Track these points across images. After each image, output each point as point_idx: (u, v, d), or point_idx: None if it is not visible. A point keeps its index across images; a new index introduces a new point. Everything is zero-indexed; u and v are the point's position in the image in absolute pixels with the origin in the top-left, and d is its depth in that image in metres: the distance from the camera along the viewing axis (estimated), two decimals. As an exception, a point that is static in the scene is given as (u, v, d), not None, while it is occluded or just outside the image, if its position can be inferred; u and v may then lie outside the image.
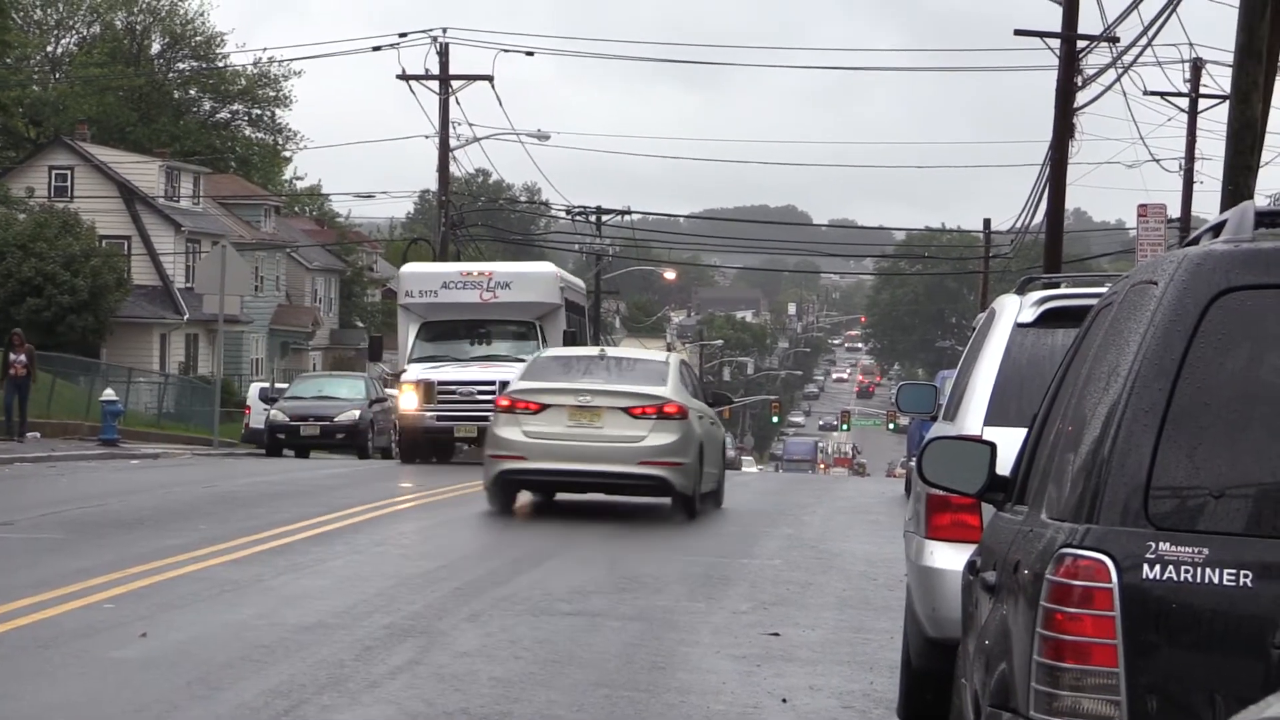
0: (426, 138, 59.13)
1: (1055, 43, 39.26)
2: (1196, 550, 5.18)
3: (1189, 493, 5.26)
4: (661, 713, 11.04)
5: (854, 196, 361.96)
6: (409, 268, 41.27)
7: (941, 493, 8.79)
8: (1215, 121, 61.36)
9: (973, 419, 9.86)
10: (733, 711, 11.15)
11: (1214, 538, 5.19)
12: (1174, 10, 30.59)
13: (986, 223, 75.16)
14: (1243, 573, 5.14)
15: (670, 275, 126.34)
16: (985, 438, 7.75)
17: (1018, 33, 41.23)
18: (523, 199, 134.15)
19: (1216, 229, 6.10)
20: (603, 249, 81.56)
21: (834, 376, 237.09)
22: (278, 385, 55.22)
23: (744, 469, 76.43)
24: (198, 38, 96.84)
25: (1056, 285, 11.00)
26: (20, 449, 38.27)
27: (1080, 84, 38.48)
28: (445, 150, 57.98)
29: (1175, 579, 5.17)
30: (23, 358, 41.57)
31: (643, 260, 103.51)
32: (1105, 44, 38.58)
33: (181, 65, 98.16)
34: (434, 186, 61.73)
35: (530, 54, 60.98)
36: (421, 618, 14.21)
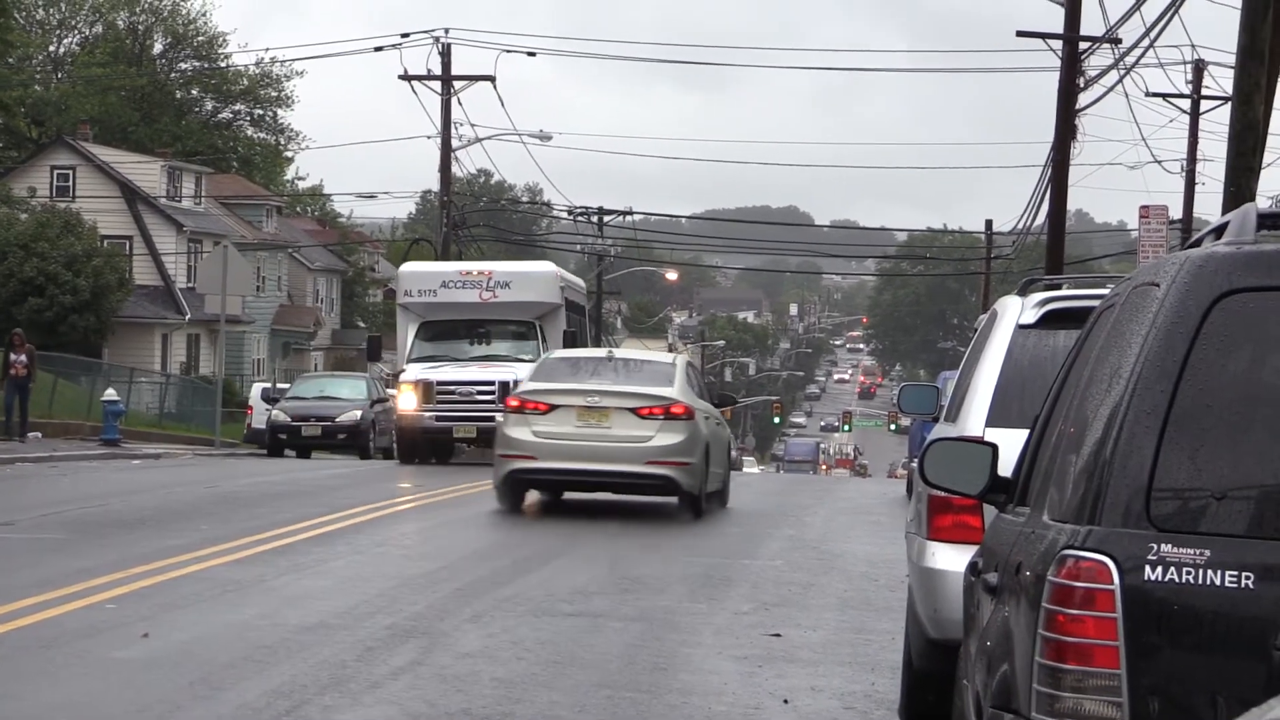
0: (428, 138, 59.11)
1: (1057, 44, 39.26)
2: (1198, 552, 5.18)
3: (1191, 494, 5.27)
4: (663, 714, 11.05)
5: (856, 197, 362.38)
6: (408, 267, 41.16)
7: (943, 494, 8.79)
8: (1217, 123, 61.52)
9: (974, 420, 9.86)
10: (734, 712, 11.15)
11: (1216, 539, 5.20)
12: (1176, 11, 30.64)
13: (988, 224, 75.16)
14: (1244, 574, 5.14)
15: (672, 276, 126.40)
16: (987, 439, 7.76)
17: (1020, 34, 41.25)
18: (524, 199, 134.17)
19: (1218, 231, 6.11)
20: (604, 250, 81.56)
21: (835, 377, 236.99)
22: (279, 385, 55.19)
23: (745, 469, 76.43)
24: (200, 38, 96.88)
25: (1058, 287, 10.99)
26: (22, 449, 38.28)
27: (1082, 85, 38.47)
28: (447, 150, 57.99)
29: (1177, 580, 5.18)
30: (23, 358, 41.57)
31: (644, 261, 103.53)
32: (1107, 45, 38.59)
33: (183, 65, 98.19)
34: (436, 187, 61.78)
35: (532, 54, 61.11)
36: (423, 618, 14.22)
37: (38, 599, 14.39)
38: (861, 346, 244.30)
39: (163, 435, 53.14)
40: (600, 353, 27.05)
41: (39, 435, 43.14)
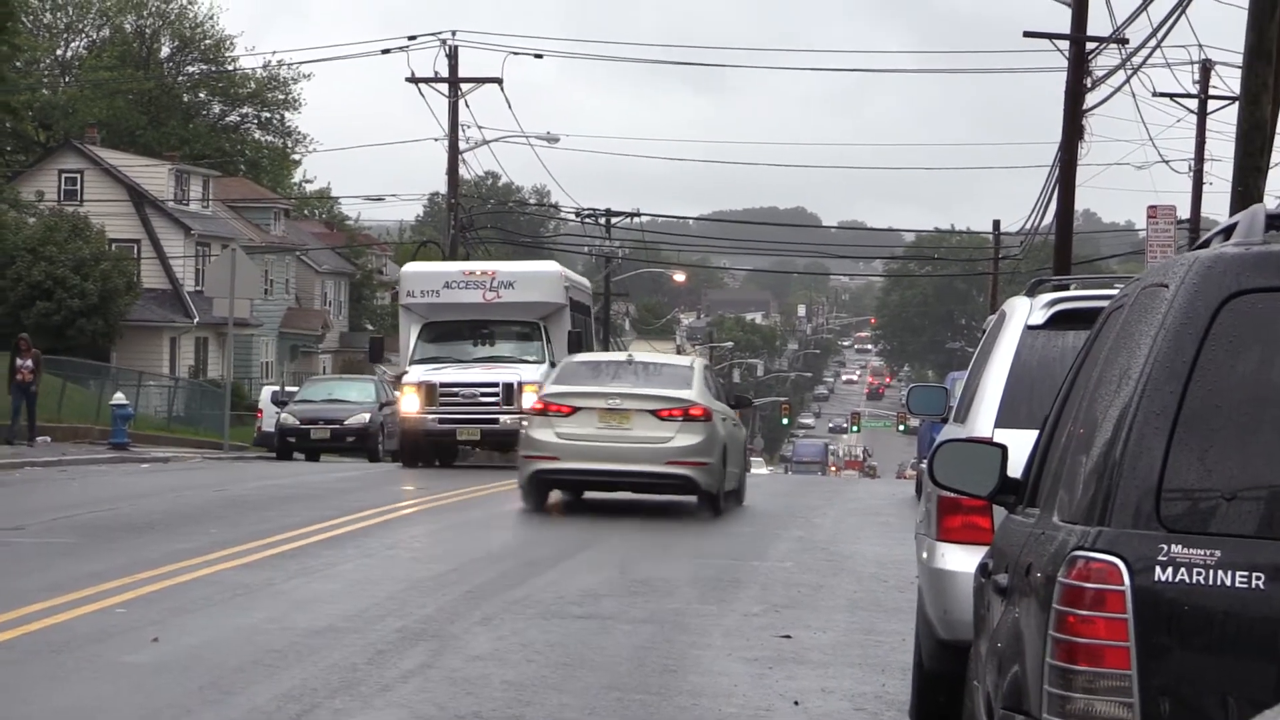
0: (436, 140, 59.10)
1: (1064, 45, 39.24)
2: (1208, 553, 5.18)
3: (1201, 495, 5.27)
4: (673, 716, 11.05)
5: (863, 198, 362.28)
6: (410, 267, 40.97)
7: (953, 495, 8.79)
8: (1225, 123, 61.31)
9: (983, 421, 9.86)
10: (744, 714, 11.15)
11: (1226, 540, 5.20)
12: (1183, 11, 30.62)
13: (996, 224, 75.21)
14: (1255, 575, 5.14)
15: (680, 277, 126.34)
16: (996, 440, 7.75)
17: (1027, 34, 41.23)
18: (532, 201, 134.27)
19: (1227, 232, 6.10)
20: (612, 251, 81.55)
21: (844, 378, 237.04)
22: (288, 388, 55.19)
23: (754, 470, 76.39)
24: (207, 41, 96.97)
25: (1066, 287, 10.97)
26: (31, 453, 38.29)
27: (1089, 85, 38.46)
28: (455, 153, 58.02)
29: (1187, 581, 5.18)
30: (29, 363, 41.57)
31: (652, 262, 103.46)
32: (1114, 46, 38.58)
33: (191, 68, 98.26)
34: (443, 189, 61.85)
35: (539, 57, 61.11)
36: (433, 621, 14.22)
37: (47, 603, 14.40)
38: (869, 347, 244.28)
39: (171, 439, 53.15)
40: (620, 356, 27.57)
41: (48, 439, 43.15)
